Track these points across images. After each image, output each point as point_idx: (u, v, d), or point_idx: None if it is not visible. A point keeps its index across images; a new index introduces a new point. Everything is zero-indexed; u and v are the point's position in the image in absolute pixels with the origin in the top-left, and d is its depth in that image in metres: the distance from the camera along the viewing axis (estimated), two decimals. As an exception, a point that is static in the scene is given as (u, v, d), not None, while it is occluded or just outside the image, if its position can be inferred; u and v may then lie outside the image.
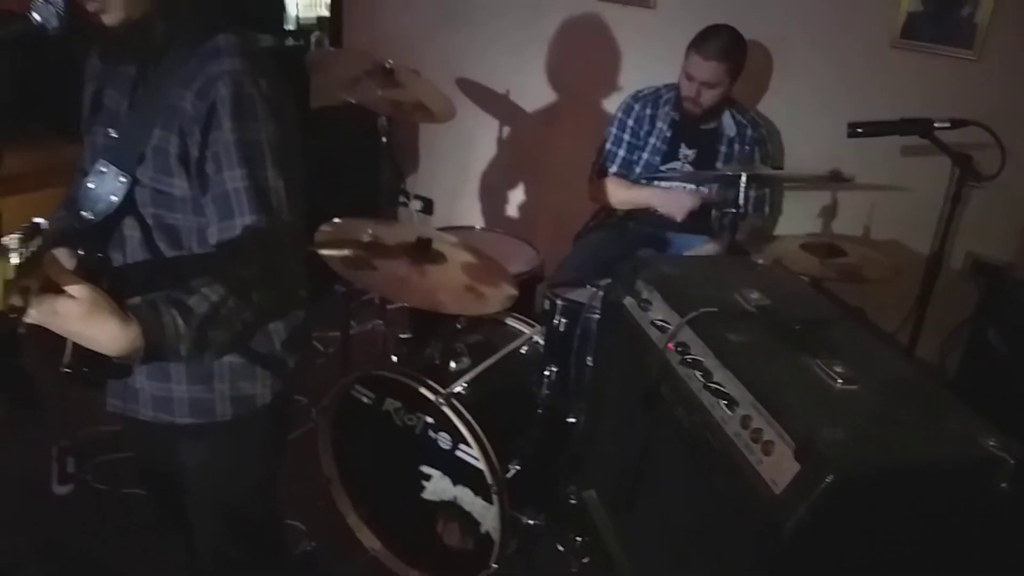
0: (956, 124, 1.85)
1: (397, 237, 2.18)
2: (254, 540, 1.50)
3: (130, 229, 1.22)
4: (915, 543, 0.96)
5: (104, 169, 1.18)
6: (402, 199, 3.72)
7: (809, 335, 1.11)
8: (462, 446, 1.92)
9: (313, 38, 5.87)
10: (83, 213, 1.19)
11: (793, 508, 0.88)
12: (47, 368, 2.58)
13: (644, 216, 2.58)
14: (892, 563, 0.95)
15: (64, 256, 1.04)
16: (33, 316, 0.92)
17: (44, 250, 0.90)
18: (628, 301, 1.30)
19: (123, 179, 1.17)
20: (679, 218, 2.46)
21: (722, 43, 2.33)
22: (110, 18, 1.10)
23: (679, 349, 1.13)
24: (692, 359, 1.10)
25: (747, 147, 2.53)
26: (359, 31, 3.85)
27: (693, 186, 2.53)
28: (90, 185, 1.19)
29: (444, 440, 1.96)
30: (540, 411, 2.04)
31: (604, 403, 1.52)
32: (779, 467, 0.93)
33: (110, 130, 1.22)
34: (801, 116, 2.68)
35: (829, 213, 2.69)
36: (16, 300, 0.87)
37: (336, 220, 2.17)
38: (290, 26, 5.91)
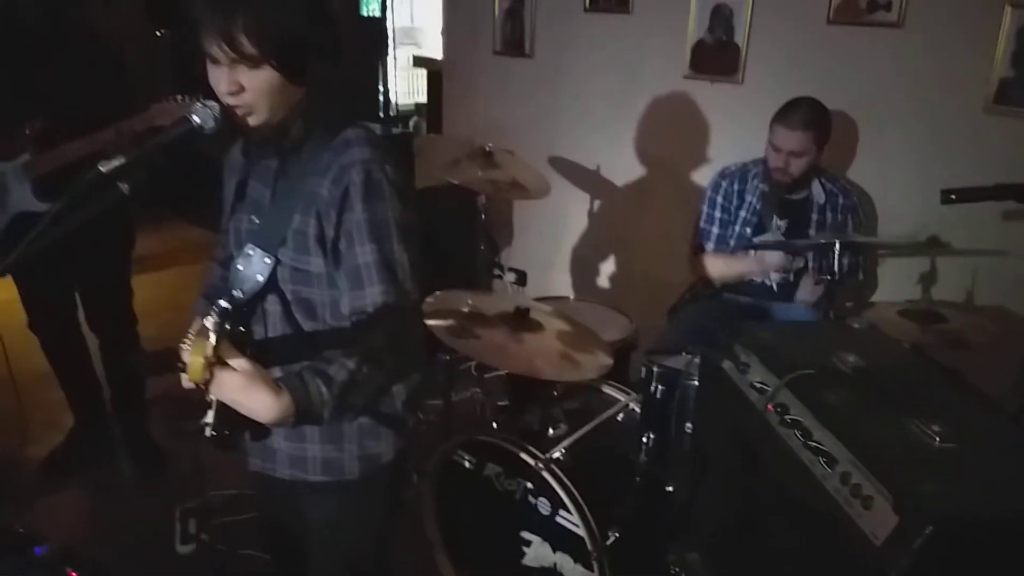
0: (1055, 188, 1.84)
1: (496, 307, 2.29)
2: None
3: (271, 304, 1.36)
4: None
5: (251, 252, 1.33)
6: (496, 272, 3.87)
7: (907, 395, 1.13)
8: (562, 512, 1.97)
9: (412, 123, 6.25)
10: (233, 292, 1.34)
11: (895, 560, 0.90)
12: (173, 435, 2.82)
13: (740, 287, 2.63)
14: None
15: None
16: (210, 390, 1.08)
17: (227, 330, 1.06)
18: (727, 365, 1.35)
19: (268, 260, 1.32)
20: (771, 272, 2.49)
21: (805, 113, 2.39)
22: (255, 120, 1.27)
23: (778, 410, 1.17)
24: (791, 419, 1.13)
25: (839, 215, 2.54)
26: (456, 116, 4.09)
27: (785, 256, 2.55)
28: (239, 267, 1.34)
29: (544, 505, 2.01)
30: (638, 478, 2.06)
31: (705, 465, 1.55)
32: (879, 521, 0.95)
33: (254, 217, 1.38)
34: (894, 183, 2.68)
35: (928, 280, 2.64)
36: (201, 377, 1.03)
37: (437, 293, 2.31)
38: (390, 112, 6.33)
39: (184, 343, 1.13)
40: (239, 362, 1.09)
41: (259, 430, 1.38)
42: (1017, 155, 2.38)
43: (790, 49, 2.82)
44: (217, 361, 1.08)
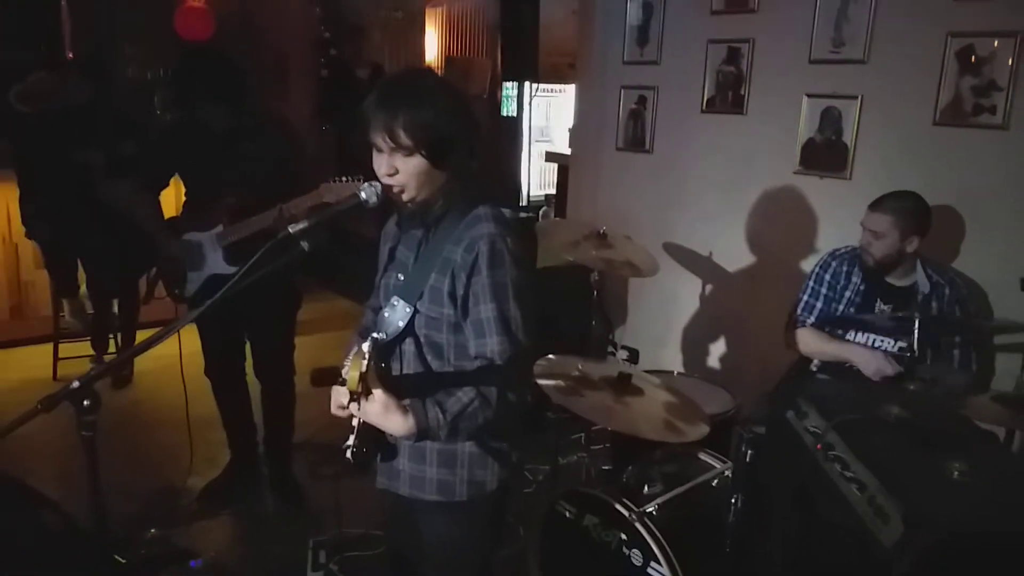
0: None
1: (602, 372, 2.52)
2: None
3: (408, 345, 1.66)
4: None
5: (396, 303, 1.65)
6: (610, 349, 4.08)
7: (938, 442, 1.27)
8: (653, 563, 2.11)
9: (541, 212, 6.69)
10: (375, 335, 1.66)
11: (899, 562, 1.04)
12: (313, 476, 3.22)
13: (838, 371, 2.70)
14: None
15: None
16: (352, 408, 1.39)
17: (376, 360, 1.38)
18: (790, 414, 1.52)
19: (408, 309, 1.64)
20: (875, 379, 2.55)
21: (895, 200, 2.55)
22: (408, 197, 1.60)
23: (826, 448, 1.33)
24: (834, 455, 1.30)
25: (945, 305, 2.60)
26: (581, 206, 4.42)
27: (892, 348, 2.61)
28: (386, 314, 1.66)
29: (636, 557, 2.16)
30: (728, 538, 2.18)
31: (772, 503, 1.70)
32: (892, 531, 1.10)
33: (400, 275, 1.71)
34: (1006, 278, 2.72)
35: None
36: (356, 388, 1.34)
37: (550, 356, 2.57)
38: (523, 203, 6.80)
39: (343, 364, 1.45)
40: (379, 393, 1.41)
41: (389, 452, 1.69)
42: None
43: (897, 148, 2.97)
44: (365, 389, 1.40)
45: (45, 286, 4.76)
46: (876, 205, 2.58)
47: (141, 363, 4.29)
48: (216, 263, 2.89)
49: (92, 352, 4.52)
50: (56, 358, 4.46)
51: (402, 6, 7.95)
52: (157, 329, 1.50)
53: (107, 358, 4.54)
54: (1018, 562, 1.09)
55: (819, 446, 1.36)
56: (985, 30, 2.72)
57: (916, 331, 2.24)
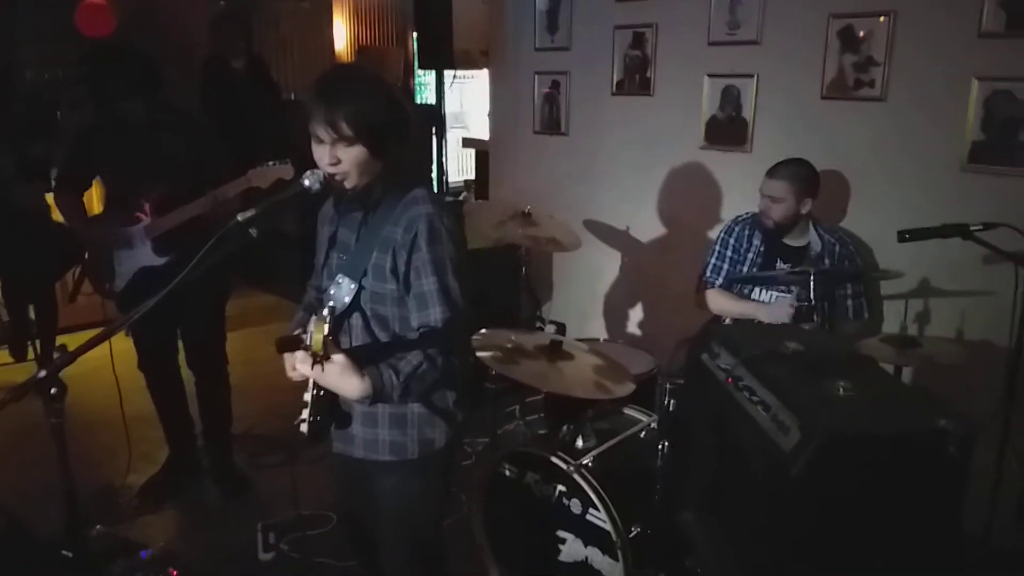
0: (988, 226, 2.17)
1: (534, 342, 2.69)
2: (429, 563, 1.95)
3: (355, 320, 1.78)
4: (882, 486, 1.31)
5: (340, 280, 1.77)
6: (539, 324, 4.27)
7: (827, 367, 1.49)
8: (591, 510, 2.30)
9: (462, 197, 6.81)
10: (330, 304, 1.76)
11: (795, 461, 1.26)
12: (254, 466, 3.30)
13: (747, 324, 2.94)
14: (867, 501, 1.35)
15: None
16: (314, 372, 1.51)
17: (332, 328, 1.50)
18: (704, 356, 1.72)
19: (353, 286, 1.75)
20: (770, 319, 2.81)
21: (787, 168, 2.79)
22: (349, 183, 1.71)
23: (735, 381, 1.54)
24: (743, 385, 1.50)
25: (836, 261, 2.88)
26: (502, 189, 4.58)
27: (792, 298, 2.87)
28: (332, 291, 1.77)
29: (576, 506, 2.35)
30: (657, 482, 2.38)
31: (691, 437, 1.91)
32: (791, 440, 1.32)
33: (343, 255, 1.82)
34: (889, 235, 3.02)
35: (924, 319, 2.96)
36: (320, 350, 1.46)
37: (484, 330, 2.72)
38: (444, 188, 6.89)
39: (302, 332, 1.56)
40: (338, 356, 1.53)
41: (343, 420, 1.81)
42: (991, 207, 2.71)
43: (790, 121, 3.25)
44: (325, 354, 1.51)
45: (-44, 295, 4.59)
46: (772, 173, 2.82)
47: (69, 368, 4.21)
48: (145, 256, 2.91)
49: (11, 360, 4.40)
50: (-28, 367, 4.33)
51: (308, -4, 7.89)
52: (81, 332, 1.57)
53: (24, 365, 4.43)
54: (889, 458, 1.32)
55: (729, 379, 1.56)
56: (862, 10, 2.99)
57: (811, 283, 2.48)
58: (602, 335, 3.93)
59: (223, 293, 3.24)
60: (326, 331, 1.44)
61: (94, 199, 4.26)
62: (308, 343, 1.48)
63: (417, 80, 7.83)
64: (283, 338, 1.50)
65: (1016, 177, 2.71)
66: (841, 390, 1.40)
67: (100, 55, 2.99)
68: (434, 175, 5.07)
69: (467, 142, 7.06)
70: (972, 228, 2.18)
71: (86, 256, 3.08)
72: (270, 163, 2.76)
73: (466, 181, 7.53)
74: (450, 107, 7.77)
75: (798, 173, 2.78)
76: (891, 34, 2.93)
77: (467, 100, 8.16)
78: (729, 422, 1.55)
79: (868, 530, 1.33)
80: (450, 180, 7.71)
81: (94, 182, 3.24)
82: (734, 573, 1.57)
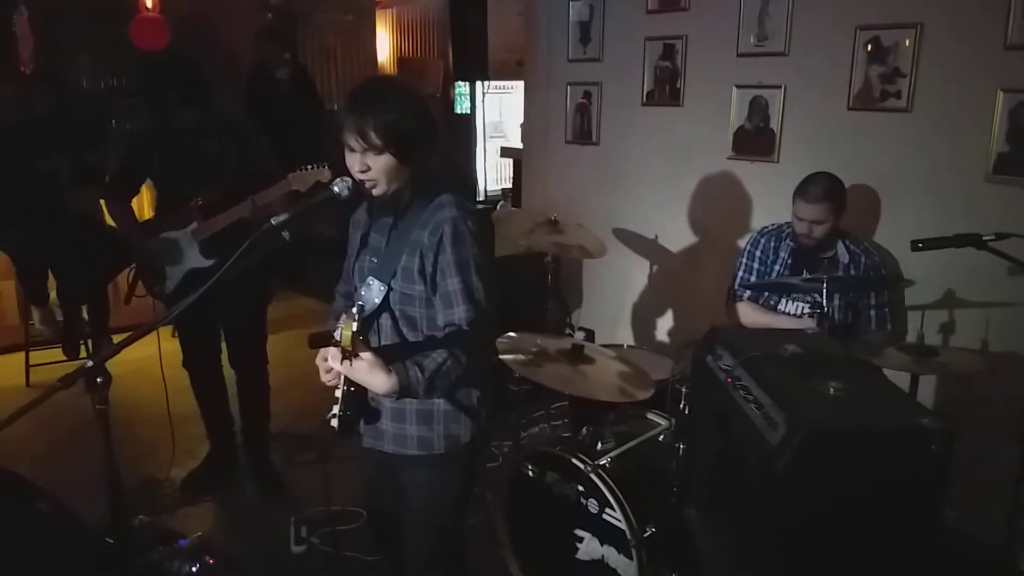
0: (1000, 236, 2.18)
1: (558, 346, 2.76)
2: (451, 555, 2.04)
3: (384, 320, 1.88)
4: (866, 481, 1.37)
5: (371, 283, 1.87)
6: (568, 331, 4.34)
7: (823, 369, 1.54)
8: (607, 510, 2.36)
9: (499, 205, 6.92)
10: (360, 302, 1.86)
11: (781, 455, 1.32)
12: (289, 463, 3.43)
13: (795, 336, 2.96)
14: (851, 495, 1.41)
15: None
16: (343, 368, 1.60)
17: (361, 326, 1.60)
18: (708, 358, 1.78)
19: (383, 287, 1.85)
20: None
21: (821, 187, 2.76)
22: (378, 191, 1.81)
23: (734, 381, 1.60)
24: (740, 385, 1.56)
25: (862, 272, 2.89)
26: (534, 197, 4.67)
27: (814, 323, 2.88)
28: (362, 293, 1.87)
29: (593, 505, 2.41)
30: (673, 485, 2.43)
31: (699, 437, 1.96)
32: (778, 433, 1.38)
33: (373, 258, 1.92)
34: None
35: (948, 329, 2.96)
36: (350, 346, 1.56)
37: (512, 334, 2.80)
38: (480, 196, 7.02)
39: (333, 329, 1.67)
40: (366, 354, 1.64)
41: (372, 415, 1.91)
42: (1016, 217, 2.71)
43: (817, 131, 3.27)
44: (354, 351, 1.61)
45: (13, 295, 4.85)
46: (807, 196, 2.77)
47: (114, 367, 4.40)
48: (194, 258, 3.05)
49: (64, 358, 4.62)
50: (28, 366, 4.56)
51: (352, 8, 8.10)
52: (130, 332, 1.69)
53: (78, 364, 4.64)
54: (872, 454, 1.38)
55: (729, 380, 1.62)
56: (889, 22, 3.01)
57: (824, 289, 2.50)
58: (629, 342, 3.98)
59: (265, 295, 3.37)
60: (354, 328, 1.54)
61: (145, 205, 4.47)
62: (338, 339, 1.58)
63: (457, 90, 7.97)
64: (315, 334, 1.61)
65: (1042, 188, 2.70)
66: (832, 390, 1.46)
67: (156, 65, 3.16)
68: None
69: (505, 151, 7.17)
70: (985, 238, 2.20)
71: (138, 260, 3.22)
72: (308, 167, 2.87)
73: (503, 189, 7.65)
74: (489, 117, 7.91)
75: (832, 191, 2.76)
76: (918, 46, 2.95)
77: (506, 110, 8.27)
78: (728, 421, 1.61)
79: (853, 523, 1.38)
80: (489, 188, 7.86)
81: (144, 188, 3.41)
82: (732, 567, 1.63)
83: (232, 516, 3.28)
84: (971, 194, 2.87)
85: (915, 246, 2.21)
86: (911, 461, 1.35)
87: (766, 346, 1.68)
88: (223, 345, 3.34)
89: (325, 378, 1.80)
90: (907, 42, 2.97)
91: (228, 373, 3.40)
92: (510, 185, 7.00)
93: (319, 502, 3.11)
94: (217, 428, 3.46)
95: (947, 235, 2.38)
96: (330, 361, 1.69)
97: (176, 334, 3.34)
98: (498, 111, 8.11)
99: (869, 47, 3.08)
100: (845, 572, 1.42)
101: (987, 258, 2.40)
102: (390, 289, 1.84)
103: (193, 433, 3.53)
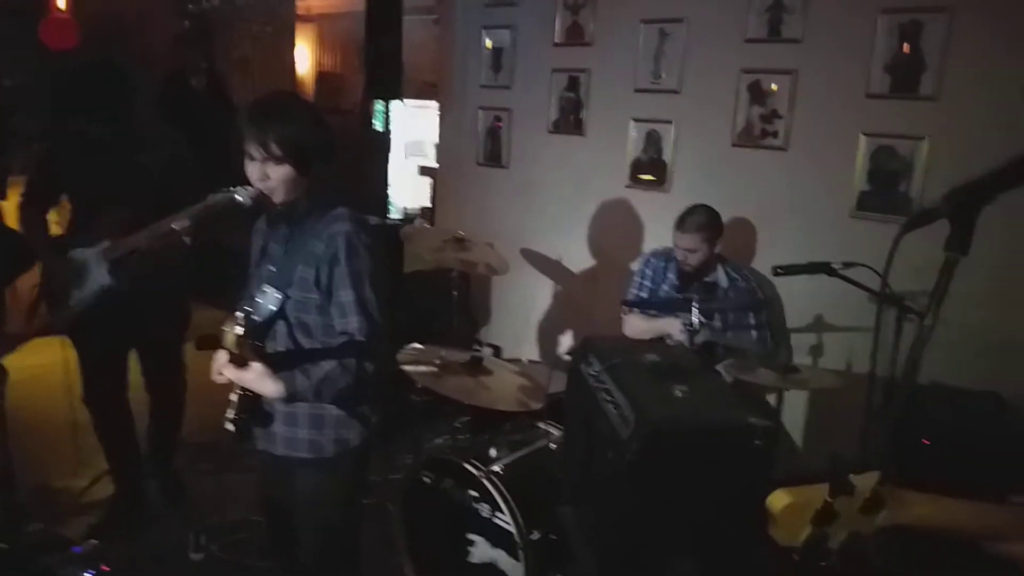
0: (847, 265, 2.47)
1: (460, 359, 2.90)
2: (342, 555, 2.13)
3: (280, 327, 1.97)
4: (703, 471, 1.58)
5: (267, 290, 1.96)
6: (475, 347, 4.47)
7: (676, 374, 1.76)
8: (498, 513, 2.50)
9: (416, 222, 7.01)
10: (246, 308, 1.95)
11: (629, 446, 1.52)
12: (192, 473, 3.42)
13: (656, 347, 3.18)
14: (687, 480, 1.62)
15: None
16: (232, 375, 1.69)
17: (249, 333, 1.68)
18: (582, 366, 1.97)
19: (278, 295, 1.94)
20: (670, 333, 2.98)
21: (695, 220, 3.00)
22: (276, 198, 1.91)
23: (599, 384, 1.79)
24: (603, 387, 1.77)
25: (739, 295, 3.14)
26: (448, 216, 4.81)
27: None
28: (258, 300, 1.96)
29: (485, 510, 2.54)
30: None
31: (573, 438, 2.14)
32: (628, 429, 1.58)
33: (271, 266, 2.01)
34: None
35: (817, 351, 3.25)
36: (233, 348, 1.64)
37: (417, 345, 2.93)
38: (397, 214, 7.10)
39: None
40: (256, 364, 1.75)
41: (265, 419, 1.99)
42: (875, 250, 2.98)
43: (704, 164, 3.54)
44: (242, 359, 1.71)
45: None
46: (682, 227, 3.01)
47: (11, 372, 4.29)
48: (101, 277, 2.77)
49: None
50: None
51: (272, 20, 8.09)
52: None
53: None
54: (707, 447, 1.59)
55: (596, 384, 1.81)
56: (768, 67, 3.31)
57: (695, 307, 2.71)
58: (534, 357, 4.16)
59: (183, 316, 3.22)
60: (239, 331, 1.63)
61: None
62: (222, 342, 1.67)
63: (377, 107, 8.04)
64: (202, 336, 1.70)
65: (895, 224, 2.99)
66: (679, 392, 1.66)
67: (73, 68, 2.98)
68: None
69: (423, 170, 7.28)
70: (834, 266, 2.47)
71: (44, 279, 2.98)
72: (230, 189, 2.76)
73: (422, 207, 7.74)
74: (410, 135, 8.01)
75: (705, 222, 3.00)
76: (793, 90, 3.24)
77: (428, 129, 8.38)
78: (593, 421, 1.79)
79: (692, 508, 1.57)
80: (408, 206, 7.94)
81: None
82: (597, 558, 1.80)
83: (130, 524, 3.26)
84: (838, 228, 3.17)
85: (775, 271, 2.46)
86: (739, 454, 1.56)
87: (629, 354, 1.87)
88: (128, 378, 3.14)
89: (216, 377, 1.84)
90: (784, 86, 3.27)
91: (143, 395, 3.26)
92: (429, 204, 7.12)
93: (219, 510, 3.16)
94: (124, 469, 3.22)
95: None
96: (219, 364, 1.77)
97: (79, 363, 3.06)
98: (419, 130, 8.22)
99: (751, 89, 3.36)
100: (688, 557, 1.61)
101: (851, 287, 2.68)
102: (287, 297, 1.93)
103: (93, 443, 3.48)
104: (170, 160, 2.92)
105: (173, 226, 1.86)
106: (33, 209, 2.98)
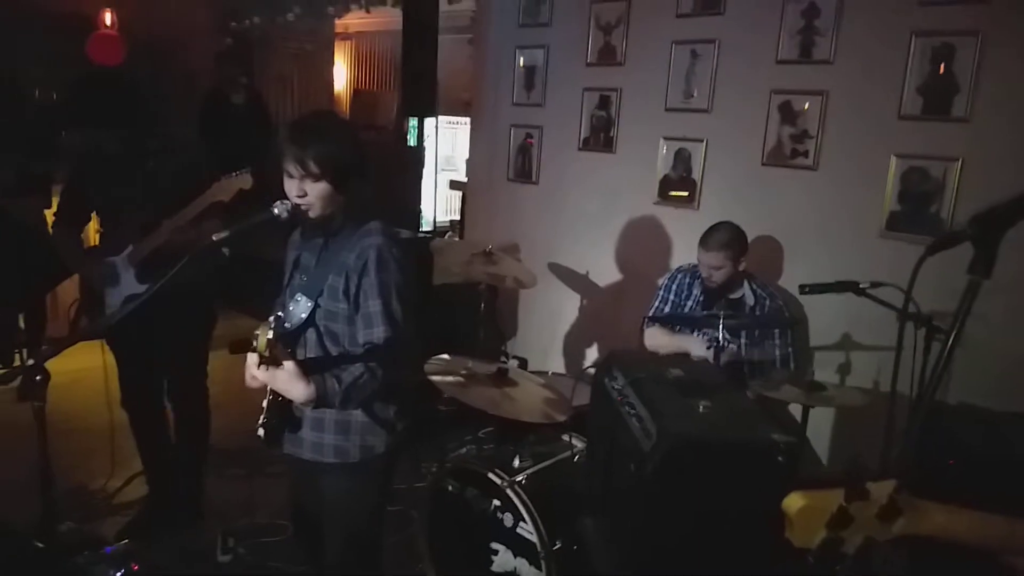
0: (875, 285, 2.46)
1: (487, 370, 2.94)
2: (365, 559, 2.17)
3: (310, 334, 2.03)
4: (725, 486, 1.58)
5: (299, 299, 2.02)
6: (503, 359, 4.51)
7: (699, 389, 1.77)
8: (521, 524, 2.52)
9: (447, 236, 7.10)
10: (285, 324, 2.02)
11: (652, 458, 1.52)
12: (220, 478, 3.46)
13: (679, 361, 3.18)
14: (708, 494, 1.62)
15: None
16: (262, 376, 1.75)
17: (280, 335, 1.74)
18: (606, 380, 1.99)
19: (309, 304, 2.00)
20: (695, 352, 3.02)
21: (719, 237, 3.01)
22: (313, 213, 1.97)
23: (623, 398, 1.81)
24: (627, 401, 1.77)
25: (766, 314, 3.14)
26: (477, 230, 4.86)
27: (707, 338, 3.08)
28: (290, 308, 2.02)
29: (508, 519, 2.57)
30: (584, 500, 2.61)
31: (596, 451, 2.16)
32: (651, 441, 1.59)
33: (303, 276, 2.08)
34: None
35: (845, 369, 3.23)
36: (264, 351, 1.70)
37: (445, 356, 2.97)
38: (427, 227, 7.19)
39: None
40: (288, 363, 1.78)
41: (294, 424, 2.04)
42: (904, 270, 2.97)
43: (733, 183, 3.56)
44: (275, 360, 1.76)
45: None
46: (706, 245, 3.03)
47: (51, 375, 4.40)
48: (129, 284, 2.91)
49: (-3, 367, 4.58)
50: (-40, 372, 4.52)
51: (312, 38, 8.30)
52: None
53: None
54: (728, 462, 1.60)
55: (619, 397, 1.83)
56: (799, 88, 3.32)
57: (721, 324, 2.73)
58: (560, 370, 4.18)
59: (207, 327, 3.24)
60: (270, 335, 1.69)
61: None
62: (254, 345, 1.72)
63: (411, 123, 8.18)
64: (235, 341, 1.75)
65: (925, 245, 2.99)
66: (701, 407, 1.68)
67: (87, 81, 3.09)
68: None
69: (454, 184, 7.38)
70: (862, 285, 2.47)
71: (84, 292, 3.11)
72: (233, 174, 2.80)
73: (452, 221, 7.84)
74: (442, 151, 8.13)
75: (729, 239, 3.02)
76: (824, 111, 3.26)
77: (459, 144, 8.50)
78: (616, 433, 1.82)
79: (713, 523, 1.58)
80: (439, 219, 8.05)
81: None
82: (616, 569, 1.81)
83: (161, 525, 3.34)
84: (867, 248, 3.16)
85: (802, 290, 2.46)
86: (761, 470, 1.57)
87: (653, 369, 1.90)
88: (164, 383, 3.19)
89: (250, 382, 1.89)
90: (815, 106, 3.28)
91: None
92: (458, 217, 7.20)
93: (248, 514, 3.22)
94: (157, 471, 3.30)
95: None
96: (251, 368, 1.82)
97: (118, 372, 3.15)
98: (451, 145, 8.34)
99: (782, 109, 3.38)
100: (708, 570, 1.62)
101: (878, 306, 2.67)
102: (316, 306, 1.99)
103: (128, 445, 3.57)
104: (185, 165, 2.97)
105: (213, 237, 1.92)
106: (65, 227, 3.05)
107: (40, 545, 2.77)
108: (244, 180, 2.80)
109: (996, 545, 1.12)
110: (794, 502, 0.98)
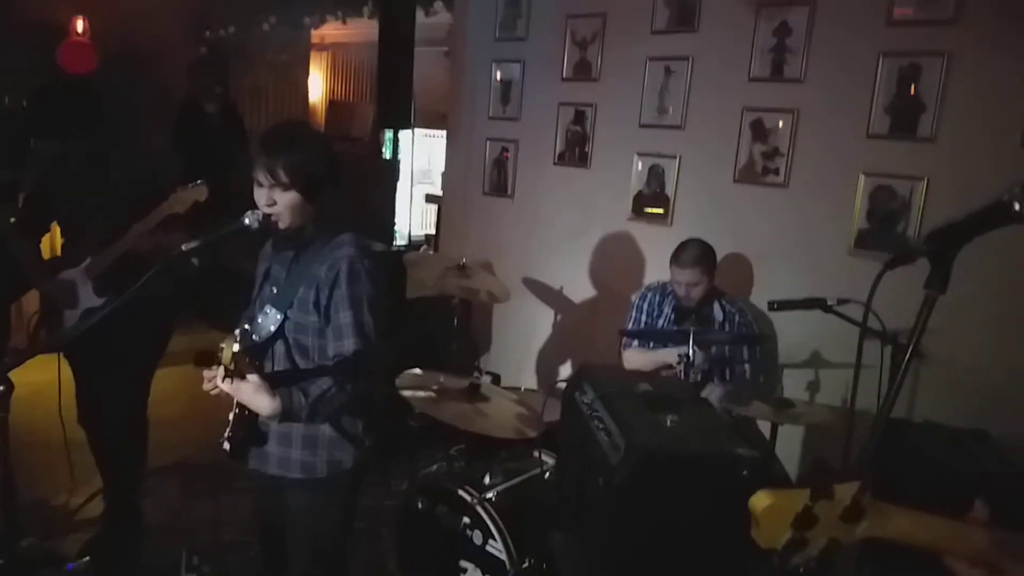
0: (841, 302, 2.49)
1: (458, 385, 2.92)
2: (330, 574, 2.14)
3: (278, 347, 2.00)
4: (691, 499, 1.59)
5: (268, 311, 2.00)
6: (476, 374, 4.48)
7: (667, 403, 1.78)
8: (491, 541, 2.50)
9: (422, 249, 7.08)
10: (253, 337, 1.99)
11: (620, 470, 1.53)
12: (185, 494, 3.41)
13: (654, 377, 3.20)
14: (675, 507, 1.63)
15: None
16: (227, 388, 1.71)
17: (247, 347, 1.71)
18: (576, 394, 1.99)
19: (279, 316, 1.98)
20: (661, 363, 3.05)
21: (692, 253, 3.04)
22: (283, 224, 1.95)
23: (592, 412, 1.81)
24: (596, 415, 1.79)
25: (735, 330, 3.16)
26: (452, 244, 4.85)
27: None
28: (259, 320, 2.00)
29: (477, 537, 2.54)
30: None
31: (567, 465, 2.16)
32: (619, 454, 1.59)
33: (273, 288, 2.05)
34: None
35: (814, 387, 3.25)
36: (230, 363, 1.67)
37: (416, 370, 2.94)
38: (403, 241, 7.16)
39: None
40: (252, 376, 1.75)
41: (259, 438, 2.01)
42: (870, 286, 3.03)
43: (705, 199, 3.58)
44: (240, 372, 1.73)
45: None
46: (680, 262, 3.05)
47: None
48: (88, 297, 2.86)
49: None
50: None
51: (288, 49, 8.26)
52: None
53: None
54: (694, 475, 1.61)
55: (589, 412, 1.83)
56: (770, 106, 3.36)
57: (691, 339, 2.75)
58: (532, 386, 4.16)
59: (161, 346, 3.20)
60: (236, 347, 1.66)
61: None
62: (219, 357, 1.70)
63: (386, 135, 8.17)
64: (200, 352, 1.72)
65: (894, 263, 3.03)
66: (669, 421, 1.69)
67: (50, 89, 3.09)
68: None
69: (429, 198, 7.36)
70: (828, 302, 2.49)
71: (43, 304, 3.03)
72: (189, 185, 2.77)
73: (427, 235, 7.81)
74: (418, 163, 8.12)
75: (701, 255, 3.05)
76: (794, 129, 3.29)
77: (435, 157, 8.49)
78: (586, 447, 1.82)
79: (681, 536, 1.59)
80: (414, 232, 8.02)
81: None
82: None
83: (122, 543, 3.26)
84: (836, 265, 3.19)
85: (771, 306, 2.48)
86: (726, 483, 1.58)
87: (622, 384, 1.90)
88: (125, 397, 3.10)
89: (205, 386, 1.83)
90: (786, 124, 3.32)
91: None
92: (434, 231, 7.18)
93: (212, 531, 3.16)
94: (118, 487, 3.23)
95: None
96: (216, 378, 1.77)
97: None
98: (427, 158, 8.33)
99: (753, 127, 3.41)
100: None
101: (847, 323, 2.69)
102: (286, 318, 1.97)
103: (88, 461, 3.49)
104: (146, 175, 2.95)
105: (183, 247, 1.89)
106: (25, 240, 3.00)
107: (0, 562, 2.70)
108: (200, 192, 2.78)
109: (956, 551, 1.12)
110: (760, 500, 0.97)
